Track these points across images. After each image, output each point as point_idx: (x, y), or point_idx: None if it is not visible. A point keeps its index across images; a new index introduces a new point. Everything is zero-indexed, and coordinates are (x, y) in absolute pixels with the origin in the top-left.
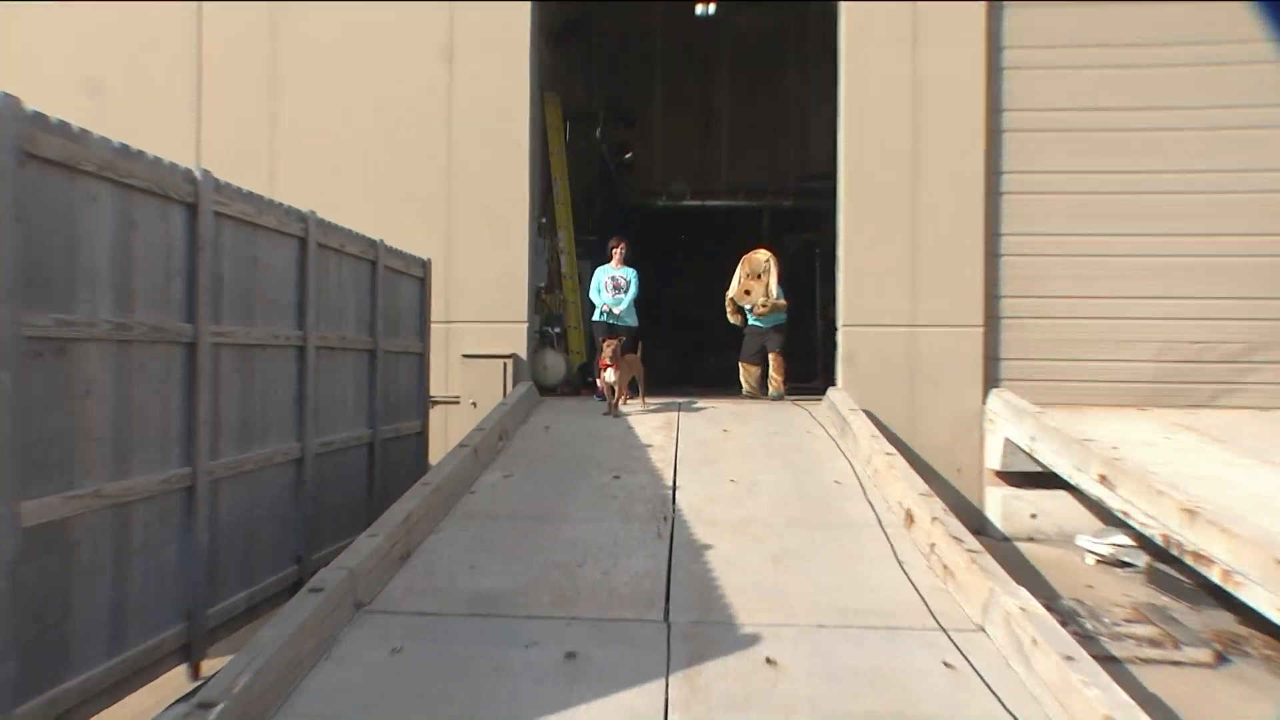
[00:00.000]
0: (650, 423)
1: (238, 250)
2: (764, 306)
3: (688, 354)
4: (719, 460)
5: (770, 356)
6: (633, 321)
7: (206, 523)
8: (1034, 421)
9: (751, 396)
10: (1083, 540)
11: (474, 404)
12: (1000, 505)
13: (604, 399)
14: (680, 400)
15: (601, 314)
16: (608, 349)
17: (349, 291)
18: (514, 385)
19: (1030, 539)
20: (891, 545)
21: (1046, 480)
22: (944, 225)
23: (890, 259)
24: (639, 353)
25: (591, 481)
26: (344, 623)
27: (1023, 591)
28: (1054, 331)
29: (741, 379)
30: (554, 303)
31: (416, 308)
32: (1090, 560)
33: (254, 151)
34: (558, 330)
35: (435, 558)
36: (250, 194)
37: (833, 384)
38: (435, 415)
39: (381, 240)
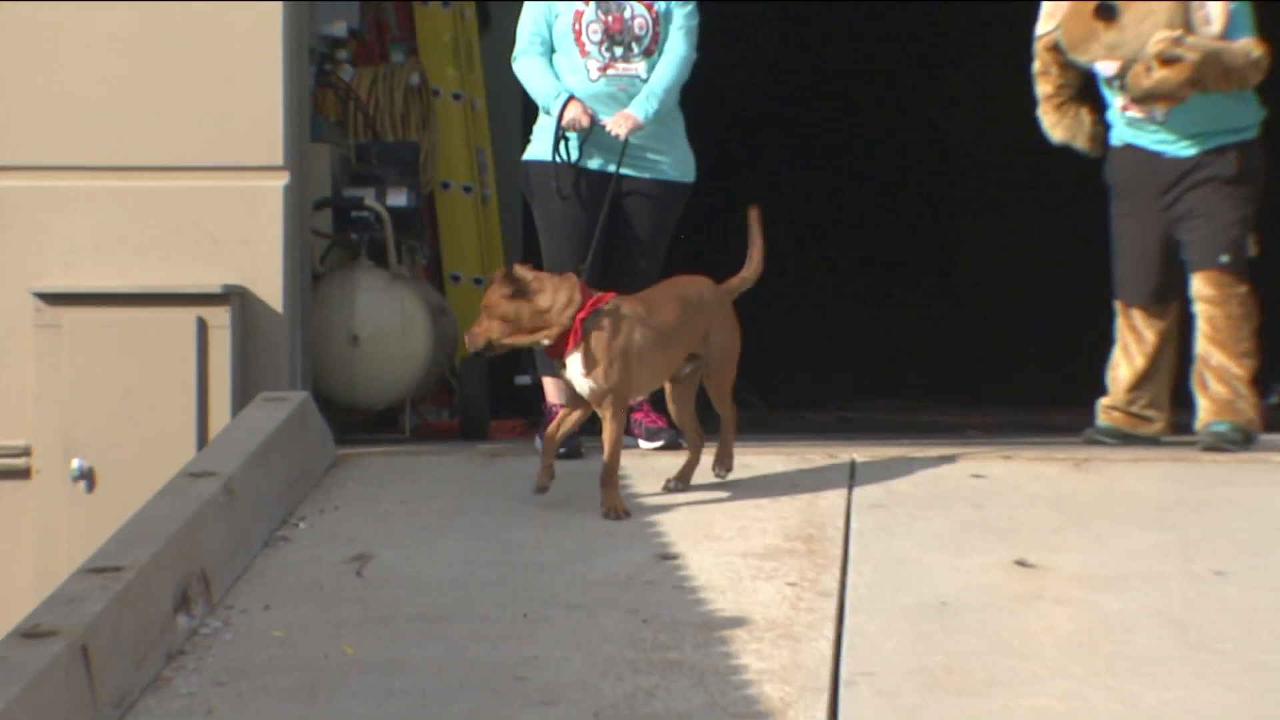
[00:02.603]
0: (743, 534)
1: None
2: (1177, 80)
3: (888, 296)
4: (1000, 674)
5: (1196, 286)
6: (677, 169)
7: None
8: None
9: (1129, 428)
10: None
11: (82, 471)
12: None
13: (547, 445)
14: (851, 451)
15: (569, 136)
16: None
17: None
18: (234, 405)
19: None
20: None
21: None
22: None
23: None
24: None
25: None
26: None
27: None
28: None
29: (1112, 370)
30: (383, 100)
31: None
32: None
33: None
34: (405, 203)
35: None
36: None
37: None
38: None
39: None
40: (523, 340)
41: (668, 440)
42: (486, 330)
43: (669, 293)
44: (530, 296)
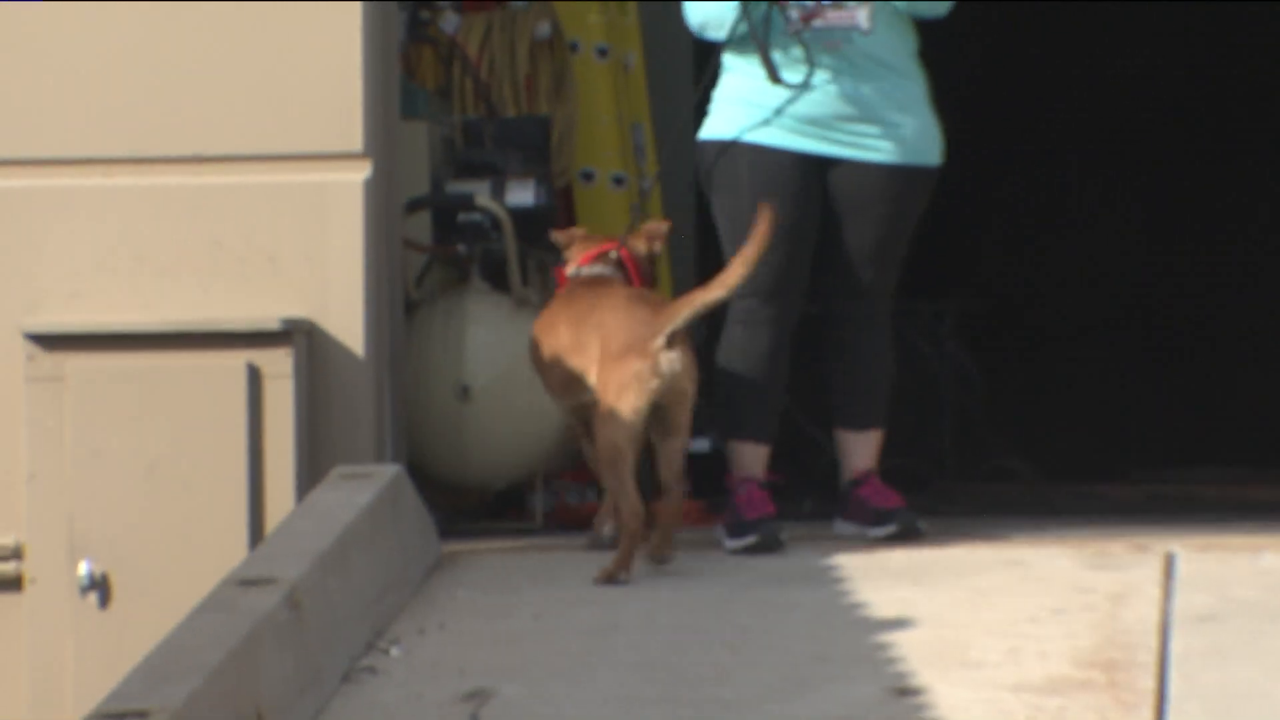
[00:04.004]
0: (1015, 658)
1: None
2: None
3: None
4: None
5: None
6: (917, 147)
7: None
8: None
9: None
10: None
11: (93, 579)
12: None
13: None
14: (1168, 540)
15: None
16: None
17: None
18: (300, 484)
19: None
20: None
21: None
22: None
23: None
24: None
25: None
26: None
27: None
28: None
29: None
30: (501, 59)
31: None
32: None
33: None
34: (532, 201)
35: None
36: None
37: None
38: None
39: None
40: None
41: (900, 525)
42: None
43: (586, 296)
44: None
